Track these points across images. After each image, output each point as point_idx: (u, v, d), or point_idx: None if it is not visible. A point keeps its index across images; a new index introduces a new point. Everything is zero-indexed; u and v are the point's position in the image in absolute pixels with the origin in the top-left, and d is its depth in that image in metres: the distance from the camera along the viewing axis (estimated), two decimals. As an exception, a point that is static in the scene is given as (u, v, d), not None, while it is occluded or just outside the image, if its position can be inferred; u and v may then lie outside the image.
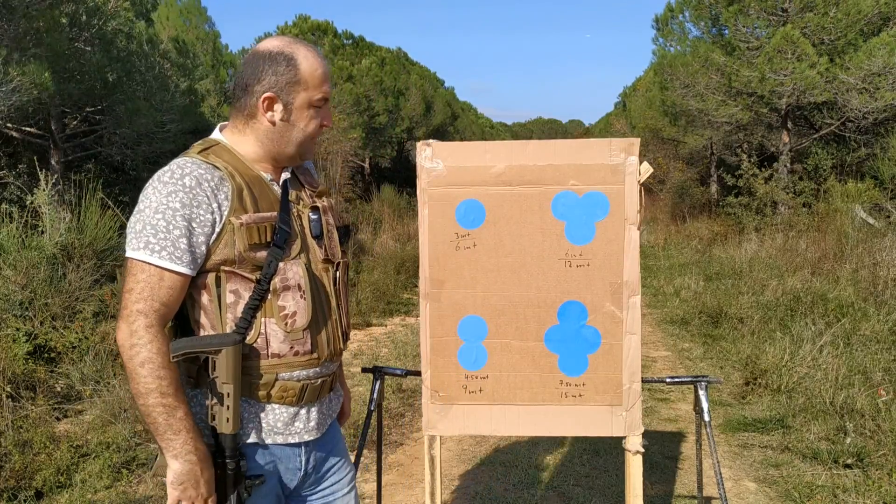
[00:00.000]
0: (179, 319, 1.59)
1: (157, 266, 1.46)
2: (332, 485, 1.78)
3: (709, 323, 7.22)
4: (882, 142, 12.21)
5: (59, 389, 4.70)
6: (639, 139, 2.17)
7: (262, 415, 1.59)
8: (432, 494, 2.24)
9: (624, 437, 2.16)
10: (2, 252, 5.96)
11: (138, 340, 1.44)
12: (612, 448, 4.08)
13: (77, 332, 5.19)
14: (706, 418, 2.29)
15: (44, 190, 6.83)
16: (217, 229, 1.51)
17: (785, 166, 13.47)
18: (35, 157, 9.07)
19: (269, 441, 1.60)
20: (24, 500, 3.37)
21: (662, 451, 4.13)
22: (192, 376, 1.59)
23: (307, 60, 1.60)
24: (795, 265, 8.75)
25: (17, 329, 4.94)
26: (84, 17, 9.06)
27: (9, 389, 4.29)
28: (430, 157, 2.15)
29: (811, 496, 3.45)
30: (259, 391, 1.57)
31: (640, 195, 2.14)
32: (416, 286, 2.19)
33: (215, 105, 17.98)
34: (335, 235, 1.72)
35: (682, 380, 2.39)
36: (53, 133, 10.01)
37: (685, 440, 4.32)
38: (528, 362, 2.15)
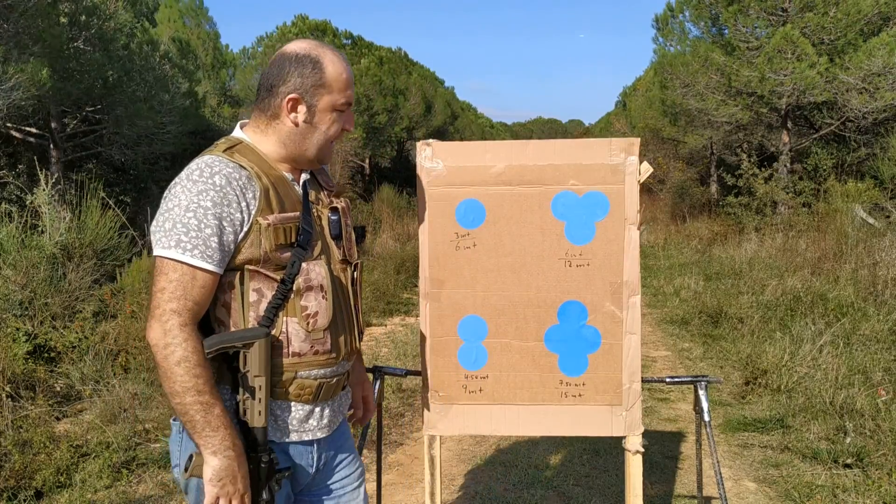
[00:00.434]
0: (202, 319, 1.60)
1: (190, 265, 1.47)
2: (340, 479, 1.79)
3: (709, 323, 7.21)
4: (882, 142, 12.21)
5: (58, 389, 4.70)
6: (639, 139, 2.17)
7: (279, 412, 1.61)
8: (432, 494, 2.24)
9: (624, 437, 2.16)
10: (2, 252, 5.96)
11: (173, 340, 1.44)
12: (612, 448, 4.08)
13: (77, 332, 5.19)
14: (706, 418, 2.29)
15: (44, 189, 6.83)
16: (245, 228, 1.52)
17: (785, 166, 13.47)
18: (35, 157, 9.07)
19: (284, 439, 1.62)
20: (24, 500, 3.36)
21: (662, 450, 4.12)
22: (216, 373, 1.59)
23: (333, 64, 1.61)
24: (795, 265, 8.75)
25: (17, 329, 4.94)
26: (83, 16, 9.06)
27: (9, 389, 4.29)
28: (431, 156, 2.15)
29: (811, 496, 3.45)
30: (277, 388, 1.59)
31: (643, 196, 2.14)
32: (416, 286, 2.19)
33: (215, 105, 17.99)
34: (353, 236, 1.75)
35: (682, 380, 2.39)
36: (53, 133, 10.01)
37: (685, 440, 4.32)
38: (528, 362, 2.15)
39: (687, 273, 10.04)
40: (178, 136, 11.64)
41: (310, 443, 1.67)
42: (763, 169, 12.87)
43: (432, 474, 2.25)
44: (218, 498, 1.49)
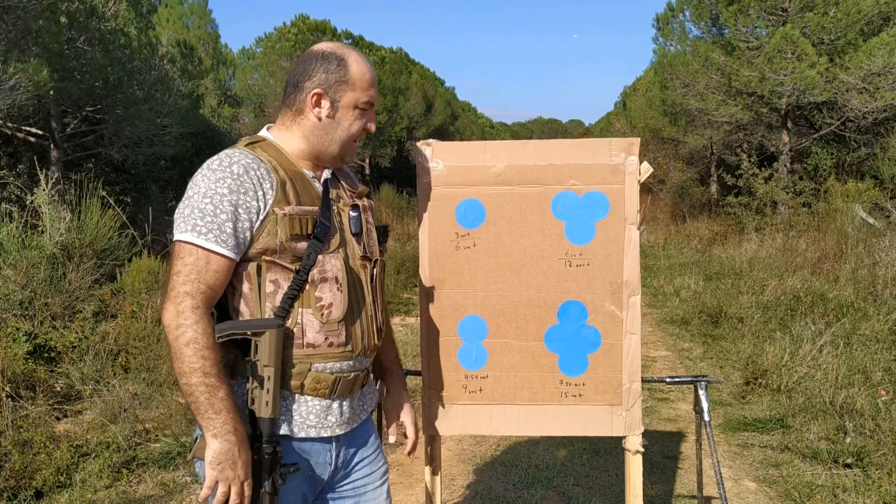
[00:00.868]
0: (218, 308, 1.62)
1: (204, 248, 1.51)
2: (363, 477, 1.80)
3: (709, 323, 7.21)
4: (882, 142, 12.21)
5: (59, 389, 4.70)
6: (639, 139, 2.17)
7: (295, 407, 1.62)
8: (432, 494, 2.24)
9: (624, 437, 2.16)
10: (2, 252, 5.96)
11: (184, 321, 1.48)
12: (612, 448, 4.07)
13: (77, 332, 5.19)
14: (706, 418, 2.29)
15: (44, 189, 6.83)
16: (261, 217, 1.56)
17: (785, 166, 13.47)
18: (35, 157, 9.08)
19: (301, 434, 1.62)
20: (24, 500, 3.36)
21: (662, 450, 4.13)
22: (227, 365, 1.61)
23: (357, 64, 1.67)
24: (795, 265, 8.75)
25: (17, 329, 4.94)
26: (83, 17, 9.06)
27: (9, 389, 4.29)
28: (431, 156, 2.15)
29: (811, 496, 3.45)
30: (292, 381, 1.60)
31: (643, 195, 2.14)
32: (416, 286, 2.20)
33: (215, 105, 17.99)
34: (374, 234, 1.78)
35: (682, 380, 2.39)
36: (53, 133, 10.01)
37: (685, 440, 4.32)
38: (528, 362, 2.15)
39: (687, 273, 10.04)
40: (179, 137, 11.64)
41: (328, 440, 1.68)
42: (763, 169, 12.87)
43: (432, 474, 2.25)
44: (217, 481, 1.50)
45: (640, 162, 2.13)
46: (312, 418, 1.64)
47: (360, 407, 1.77)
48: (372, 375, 1.90)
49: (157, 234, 8.31)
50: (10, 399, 4.24)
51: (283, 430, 1.61)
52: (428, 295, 2.17)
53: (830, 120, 13.07)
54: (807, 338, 5.67)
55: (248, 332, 1.53)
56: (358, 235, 1.71)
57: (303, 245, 1.59)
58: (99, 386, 4.66)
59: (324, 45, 1.69)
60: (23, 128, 9.69)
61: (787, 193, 12.58)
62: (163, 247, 8.01)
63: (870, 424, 4.03)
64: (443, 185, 2.15)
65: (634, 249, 2.12)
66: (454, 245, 2.15)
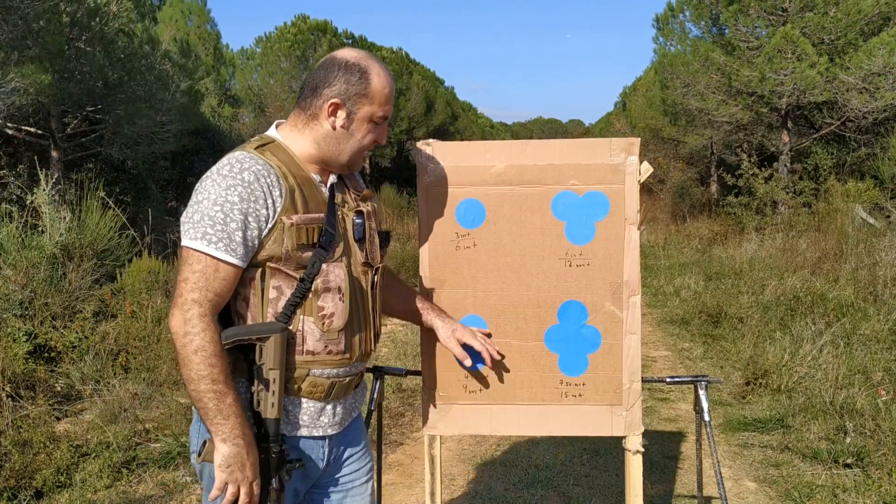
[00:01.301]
0: (222, 313, 1.64)
1: (214, 257, 1.52)
2: (349, 473, 1.82)
3: (709, 323, 7.21)
4: (882, 142, 12.21)
5: (59, 389, 4.70)
6: (639, 139, 2.17)
7: (290, 408, 1.65)
8: (432, 494, 2.24)
9: (624, 437, 2.16)
10: (2, 252, 5.96)
11: (192, 329, 1.49)
12: (612, 448, 4.07)
13: (77, 332, 5.19)
14: (706, 418, 2.29)
15: (44, 189, 6.83)
16: (270, 225, 1.56)
17: (785, 166, 13.47)
18: (35, 157, 9.07)
19: (294, 433, 1.65)
20: (24, 500, 3.36)
21: (662, 450, 4.12)
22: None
23: (379, 78, 1.66)
24: (795, 265, 8.75)
25: (17, 329, 4.94)
26: (85, 17, 9.06)
27: (9, 389, 4.29)
28: (431, 156, 2.15)
29: (811, 496, 3.45)
30: (290, 385, 1.62)
31: (643, 195, 2.14)
32: (416, 286, 2.20)
33: (216, 105, 17.99)
34: (376, 240, 1.78)
35: (682, 379, 2.38)
36: (54, 133, 10.01)
37: (685, 440, 4.32)
38: (528, 362, 2.15)
39: (687, 273, 10.04)
40: (178, 135, 11.64)
41: (321, 438, 1.70)
42: (763, 169, 12.87)
43: (432, 474, 2.25)
44: (226, 483, 1.53)
45: (641, 162, 2.13)
46: (305, 419, 1.66)
47: (351, 407, 1.79)
48: (367, 375, 1.92)
49: (157, 234, 8.31)
50: (10, 399, 4.24)
51: (281, 430, 1.63)
52: (428, 295, 2.16)
53: (830, 120, 13.07)
54: (807, 338, 5.67)
55: (254, 338, 1.55)
56: (361, 241, 1.71)
57: (308, 254, 1.59)
58: (99, 386, 4.66)
59: (348, 53, 1.67)
60: (23, 128, 9.68)
61: (787, 193, 12.58)
62: (163, 247, 8.02)
63: (870, 424, 4.03)
64: (443, 185, 2.15)
65: (634, 249, 2.12)
66: (454, 245, 2.15)
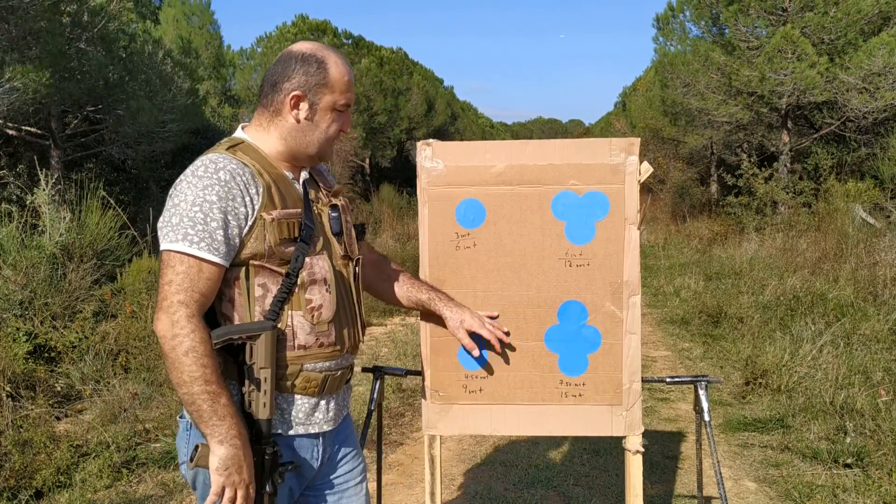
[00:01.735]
0: (206, 314, 1.62)
1: (197, 257, 1.51)
2: (344, 474, 1.81)
3: (709, 323, 7.21)
4: (882, 141, 12.21)
5: (59, 389, 4.70)
6: (639, 139, 2.16)
7: (286, 406, 1.64)
8: (432, 494, 2.24)
9: (624, 437, 2.16)
10: (2, 252, 5.96)
11: (180, 331, 1.47)
12: (612, 448, 4.07)
13: (77, 332, 5.19)
14: (706, 418, 2.29)
15: (44, 189, 6.83)
16: (250, 222, 1.56)
17: (785, 166, 13.47)
18: (35, 157, 9.07)
19: (291, 432, 1.64)
20: (24, 500, 3.36)
21: (662, 450, 4.12)
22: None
23: (337, 66, 1.66)
24: (795, 265, 8.75)
25: (17, 329, 4.94)
26: (86, 17, 9.06)
27: (9, 389, 4.29)
28: (431, 156, 2.15)
29: (811, 496, 3.45)
30: (284, 381, 1.62)
31: (644, 195, 2.14)
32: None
33: (216, 105, 17.98)
34: (353, 233, 1.79)
35: (682, 379, 2.38)
36: (54, 132, 10.01)
37: (685, 440, 4.32)
38: (528, 362, 2.15)
39: (687, 273, 10.03)
40: (179, 135, 11.64)
41: (315, 436, 1.70)
42: (763, 169, 12.87)
43: (432, 474, 2.25)
44: (224, 487, 1.50)
45: (641, 162, 2.13)
46: (301, 416, 1.66)
47: (342, 404, 1.80)
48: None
49: (157, 234, 8.31)
50: (10, 399, 4.24)
51: (275, 429, 1.62)
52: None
53: (830, 120, 13.06)
54: (807, 338, 5.67)
55: (244, 336, 1.54)
56: (339, 235, 1.72)
57: (290, 248, 1.59)
58: (99, 386, 4.66)
59: (302, 46, 1.68)
60: (23, 128, 9.68)
61: (787, 193, 12.57)
62: (163, 247, 7.99)
63: (870, 424, 4.03)
64: (443, 185, 2.15)
65: (634, 249, 2.12)
66: (454, 245, 2.15)
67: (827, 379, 4.82)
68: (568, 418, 2.16)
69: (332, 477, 1.79)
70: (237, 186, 1.54)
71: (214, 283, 1.54)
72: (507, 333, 2.08)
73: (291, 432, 1.65)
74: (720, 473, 2.29)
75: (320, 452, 1.72)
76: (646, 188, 16.78)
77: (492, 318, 2.09)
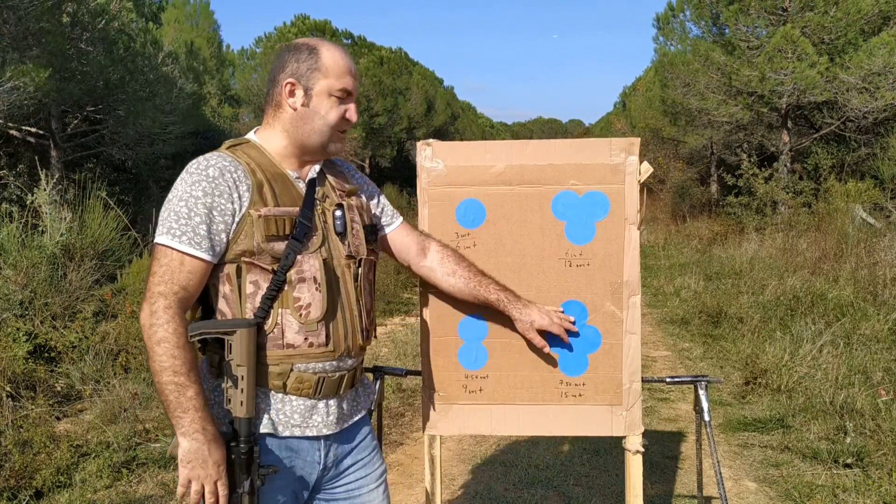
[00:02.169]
0: (205, 310, 1.65)
1: (178, 250, 1.53)
2: (356, 480, 1.79)
3: (709, 323, 7.21)
4: (882, 141, 12.21)
5: (59, 389, 4.70)
6: (639, 139, 2.16)
7: (279, 406, 1.63)
8: (432, 494, 2.24)
9: (624, 437, 2.16)
10: (2, 252, 5.96)
11: (156, 321, 1.50)
12: (612, 448, 4.08)
13: (77, 332, 5.19)
14: (706, 418, 2.29)
15: (44, 189, 6.83)
16: (237, 219, 1.57)
17: (785, 166, 13.47)
18: (35, 157, 9.07)
19: (286, 433, 1.63)
20: (24, 500, 3.36)
21: (662, 450, 4.13)
22: (214, 366, 1.63)
23: (329, 51, 1.67)
24: (795, 265, 8.74)
25: (17, 329, 4.94)
26: (86, 17, 9.06)
27: (9, 389, 4.29)
28: (431, 156, 2.15)
29: (811, 496, 3.45)
30: (275, 381, 1.61)
31: (643, 195, 2.14)
32: (416, 286, 2.20)
33: (216, 105, 17.98)
34: (361, 233, 1.74)
35: (682, 379, 2.38)
36: (54, 132, 10.01)
37: (685, 440, 4.32)
38: (528, 362, 2.15)
39: (687, 273, 10.03)
40: (180, 136, 11.65)
41: (315, 439, 1.67)
42: (763, 169, 12.87)
43: (432, 474, 2.25)
44: (189, 480, 1.51)
45: (641, 162, 2.13)
46: (297, 417, 1.64)
47: (351, 407, 1.76)
48: (368, 375, 1.89)
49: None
50: (10, 399, 4.24)
51: (267, 429, 1.61)
52: (428, 295, 2.17)
53: (830, 120, 13.06)
54: (807, 338, 5.67)
55: (219, 332, 1.54)
56: (342, 235, 1.70)
57: (280, 246, 1.59)
58: (99, 386, 4.67)
59: (296, 40, 1.72)
60: (23, 128, 9.68)
61: (788, 193, 12.57)
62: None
63: (870, 424, 4.03)
64: (443, 185, 2.15)
65: (634, 249, 2.12)
66: (454, 245, 2.15)
67: (827, 379, 4.82)
68: (568, 418, 2.16)
69: (342, 483, 1.77)
70: (225, 183, 1.56)
71: (197, 277, 1.55)
72: (573, 322, 2.06)
73: (286, 433, 1.63)
74: (720, 473, 2.29)
75: (322, 456, 1.69)
76: (645, 188, 16.75)
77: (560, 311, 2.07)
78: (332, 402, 1.69)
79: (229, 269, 1.59)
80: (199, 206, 1.54)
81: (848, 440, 3.94)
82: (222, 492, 1.53)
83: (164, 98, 10.77)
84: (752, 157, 13.16)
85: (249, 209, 1.57)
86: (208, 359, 1.65)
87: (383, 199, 1.96)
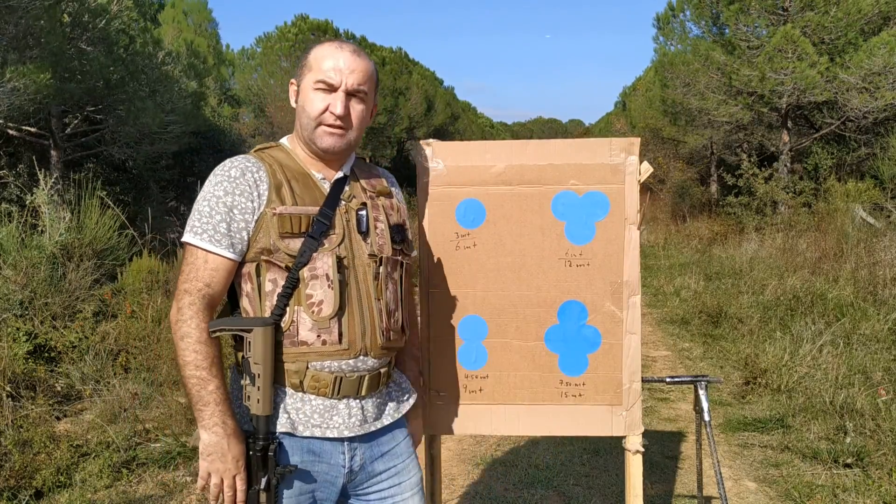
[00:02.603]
0: (233, 307, 1.70)
1: (200, 248, 1.59)
2: (389, 487, 1.76)
3: (709, 323, 7.21)
4: (882, 141, 12.20)
5: (59, 389, 4.70)
6: (639, 139, 2.17)
7: (299, 405, 1.63)
8: (432, 494, 2.24)
9: (624, 437, 2.16)
10: (2, 252, 5.96)
11: (181, 317, 1.55)
12: (612, 448, 4.08)
13: (77, 332, 5.19)
14: (706, 418, 2.29)
15: (43, 189, 6.83)
16: (256, 217, 1.61)
17: (785, 166, 13.46)
18: (35, 157, 9.07)
19: (306, 433, 1.62)
20: (24, 500, 3.36)
21: (662, 450, 4.13)
22: (238, 363, 1.66)
23: (320, 48, 1.70)
24: (795, 265, 8.74)
25: (18, 329, 4.94)
26: (86, 17, 9.05)
27: (9, 389, 4.29)
28: (431, 156, 2.15)
29: (811, 496, 3.45)
30: (292, 379, 1.62)
31: (644, 195, 2.14)
32: (416, 286, 2.20)
33: (216, 105, 17.98)
34: (385, 232, 1.73)
35: (682, 379, 2.39)
36: (54, 132, 10.01)
37: (685, 440, 4.32)
38: (528, 362, 2.15)
39: (687, 273, 10.03)
40: (180, 136, 11.64)
41: (338, 440, 1.66)
42: (763, 169, 12.86)
43: (432, 474, 2.25)
44: (209, 473, 1.54)
45: (641, 162, 2.13)
46: (317, 417, 1.63)
47: (378, 410, 1.73)
48: (402, 378, 1.85)
49: (157, 233, 8.31)
50: (10, 399, 4.24)
51: (286, 427, 1.60)
52: (428, 295, 2.17)
53: (830, 120, 13.06)
54: (807, 338, 5.67)
55: (238, 328, 1.58)
56: (365, 234, 1.70)
57: (296, 243, 1.60)
58: (99, 386, 4.66)
59: None
60: (23, 128, 9.68)
61: (787, 193, 12.56)
62: (163, 247, 8.01)
63: (870, 424, 4.03)
64: (443, 185, 2.15)
65: (634, 249, 2.12)
66: (454, 245, 2.15)
67: (827, 379, 4.82)
68: (568, 418, 2.16)
69: (374, 489, 1.75)
70: (245, 182, 1.61)
71: (221, 275, 1.59)
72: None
73: (307, 433, 1.62)
74: (720, 473, 2.29)
75: (347, 460, 1.67)
76: (645, 188, 16.78)
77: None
78: (353, 402, 1.66)
79: (249, 267, 1.62)
80: (220, 205, 1.59)
81: (848, 440, 3.94)
82: (240, 486, 1.55)
83: (164, 96, 10.77)
84: (752, 157, 13.15)
85: (266, 208, 1.61)
86: (234, 356, 1.68)
87: (408, 230, 1.90)
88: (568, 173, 2.13)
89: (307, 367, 1.61)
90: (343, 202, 1.69)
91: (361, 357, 1.65)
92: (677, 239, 14.60)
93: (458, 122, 31.20)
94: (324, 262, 1.61)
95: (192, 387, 1.53)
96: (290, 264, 1.60)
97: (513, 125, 78.86)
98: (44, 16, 7.94)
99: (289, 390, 1.62)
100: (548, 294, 2.14)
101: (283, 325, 1.60)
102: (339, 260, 1.63)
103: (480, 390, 2.17)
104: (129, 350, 5.13)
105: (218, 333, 1.57)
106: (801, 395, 4.76)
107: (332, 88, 1.66)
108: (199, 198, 1.63)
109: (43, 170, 7.41)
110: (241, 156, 1.68)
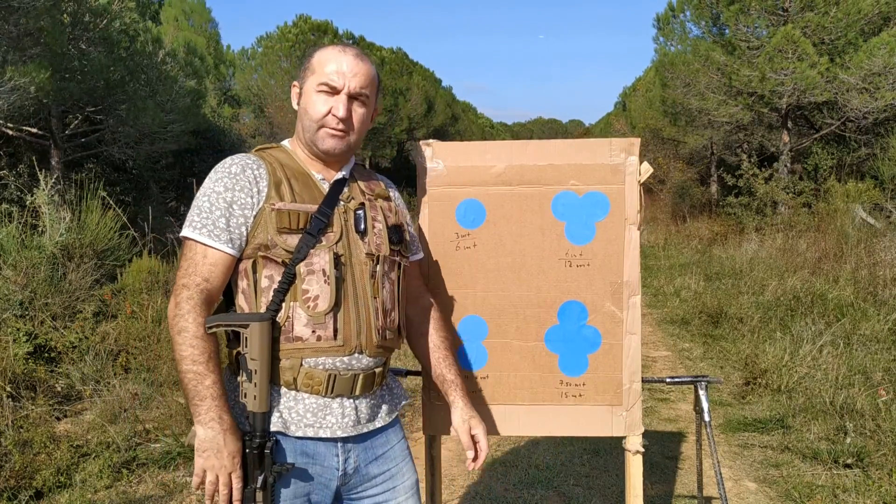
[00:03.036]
0: (228, 304, 1.69)
1: (199, 242, 1.59)
2: (385, 490, 1.76)
3: (709, 323, 7.21)
4: (882, 142, 12.20)
5: (59, 389, 4.70)
6: (639, 139, 2.17)
7: (292, 404, 1.62)
8: (432, 494, 2.24)
9: (624, 437, 2.16)
10: (2, 252, 5.96)
11: (179, 311, 1.55)
12: (612, 448, 4.08)
13: (77, 332, 5.19)
14: (706, 418, 2.29)
15: (43, 190, 6.83)
16: (254, 212, 1.62)
17: (785, 166, 13.47)
18: (35, 157, 9.07)
19: (298, 433, 1.61)
20: (24, 500, 3.36)
21: (662, 451, 4.12)
22: (233, 362, 1.65)
23: (323, 51, 1.72)
24: (795, 265, 8.74)
25: (18, 329, 4.94)
26: (87, 17, 9.05)
27: (9, 389, 4.29)
28: (431, 156, 2.15)
29: (811, 496, 3.45)
30: (284, 376, 1.61)
31: (641, 195, 2.14)
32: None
33: (215, 105, 17.98)
34: (383, 232, 1.74)
35: (682, 380, 2.38)
36: (54, 133, 10.01)
37: (685, 440, 4.32)
38: (528, 362, 2.15)
39: (687, 273, 10.03)
40: (180, 135, 11.64)
41: (332, 441, 1.65)
42: (763, 169, 12.86)
43: (432, 474, 2.25)
44: (204, 469, 1.53)
45: (641, 162, 2.13)
46: (309, 416, 1.62)
47: (372, 411, 1.73)
48: (395, 382, 1.85)
49: (157, 233, 8.31)
50: (10, 399, 4.24)
51: (278, 427, 1.60)
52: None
53: (830, 120, 13.06)
54: (807, 338, 5.67)
55: (235, 324, 1.57)
56: (363, 233, 1.70)
57: (294, 239, 1.61)
58: (99, 386, 4.66)
59: None
60: (23, 128, 9.68)
61: (788, 193, 12.56)
62: (163, 247, 8.02)
63: (870, 424, 4.03)
64: (443, 185, 2.15)
65: (635, 249, 2.12)
66: (454, 245, 2.15)
67: (827, 379, 4.82)
68: (568, 418, 2.16)
69: (369, 493, 1.74)
70: (245, 178, 1.62)
71: (220, 269, 1.60)
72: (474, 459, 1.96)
73: (299, 433, 1.61)
74: (720, 473, 2.29)
75: (341, 462, 1.67)
76: (645, 188, 16.75)
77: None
78: (346, 402, 1.66)
79: (246, 264, 1.62)
80: (220, 200, 1.60)
81: (848, 440, 3.94)
82: (236, 484, 1.54)
83: (164, 96, 10.78)
84: (752, 158, 13.16)
85: (265, 203, 1.62)
86: (229, 353, 1.67)
87: (413, 230, 1.94)
88: (568, 173, 2.13)
89: (301, 364, 1.61)
90: (342, 202, 1.70)
91: (356, 355, 1.65)
92: (677, 239, 14.60)
93: (459, 123, 31.20)
94: (321, 259, 1.62)
95: (188, 381, 1.52)
96: (286, 260, 1.60)
97: (513, 125, 78.92)
98: (44, 16, 7.94)
99: (282, 389, 1.61)
100: (548, 294, 2.14)
101: (278, 320, 1.59)
102: (337, 257, 1.64)
103: (480, 390, 2.17)
104: (130, 350, 5.13)
105: (214, 329, 1.56)
106: (801, 395, 4.76)
107: (334, 91, 1.67)
108: (198, 193, 1.63)
109: (43, 170, 7.42)
110: (242, 154, 1.70)
